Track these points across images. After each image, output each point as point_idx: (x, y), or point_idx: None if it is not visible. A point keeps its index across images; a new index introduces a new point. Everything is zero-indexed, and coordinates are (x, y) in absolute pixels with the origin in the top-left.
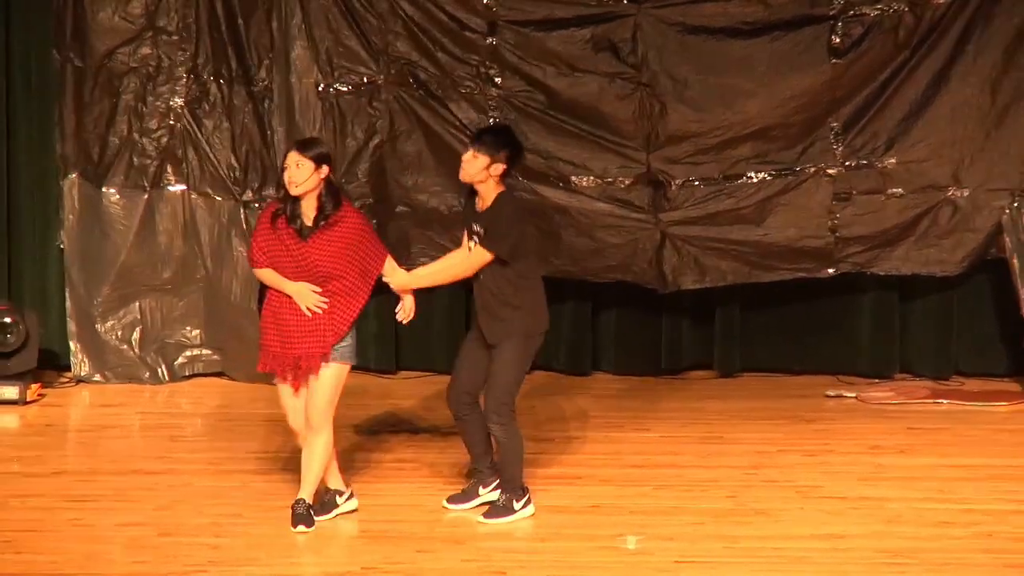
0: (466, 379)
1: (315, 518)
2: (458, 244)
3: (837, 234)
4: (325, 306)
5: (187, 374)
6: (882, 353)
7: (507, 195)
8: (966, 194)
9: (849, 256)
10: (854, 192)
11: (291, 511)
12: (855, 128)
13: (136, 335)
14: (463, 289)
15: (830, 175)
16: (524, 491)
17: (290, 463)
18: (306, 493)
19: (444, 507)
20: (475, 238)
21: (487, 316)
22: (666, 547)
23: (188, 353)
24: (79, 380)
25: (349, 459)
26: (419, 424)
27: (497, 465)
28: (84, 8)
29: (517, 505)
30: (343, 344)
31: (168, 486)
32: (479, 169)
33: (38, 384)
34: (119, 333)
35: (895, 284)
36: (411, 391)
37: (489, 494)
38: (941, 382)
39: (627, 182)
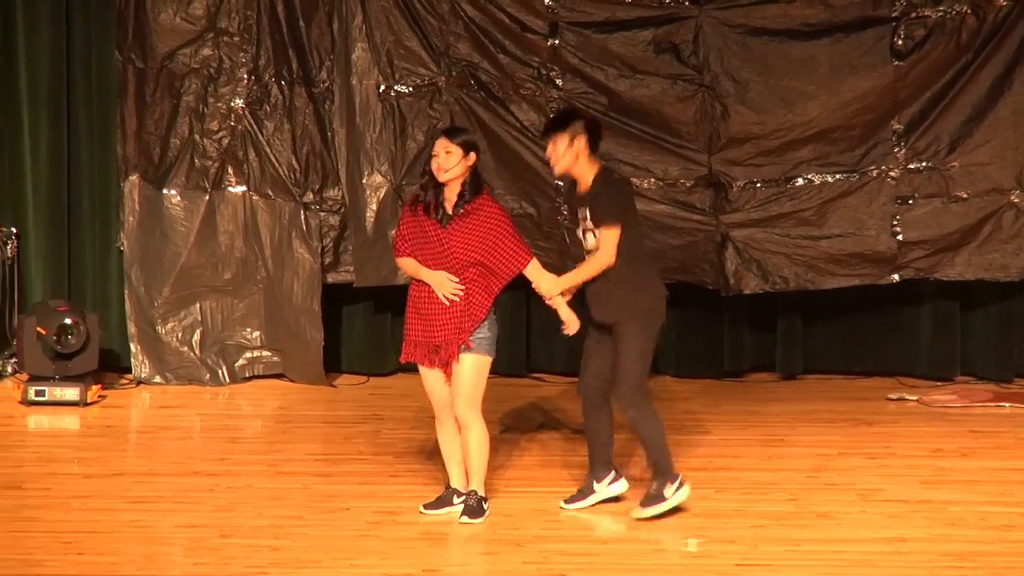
0: (595, 371)
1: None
2: None
3: (899, 238)
4: (461, 294)
5: (247, 376)
6: (943, 355)
7: (605, 170)
8: None
9: (912, 261)
10: (916, 195)
11: (463, 503)
12: (917, 131)
13: (196, 337)
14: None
15: (892, 178)
16: (675, 476)
17: (350, 465)
18: (476, 484)
19: (561, 507)
20: (583, 223)
21: (600, 297)
22: (727, 550)
23: (248, 355)
24: (139, 382)
25: (407, 460)
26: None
27: (612, 461)
28: (146, 9)
29: (668, 491)
30: (480, 335)
31: (228, 488)
32: (563, 151)
33: (99, 385)
34: (179, 335)
35: (956, 286)
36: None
37: (605, 488)
38: (1003, 385)
39: (689, 184)
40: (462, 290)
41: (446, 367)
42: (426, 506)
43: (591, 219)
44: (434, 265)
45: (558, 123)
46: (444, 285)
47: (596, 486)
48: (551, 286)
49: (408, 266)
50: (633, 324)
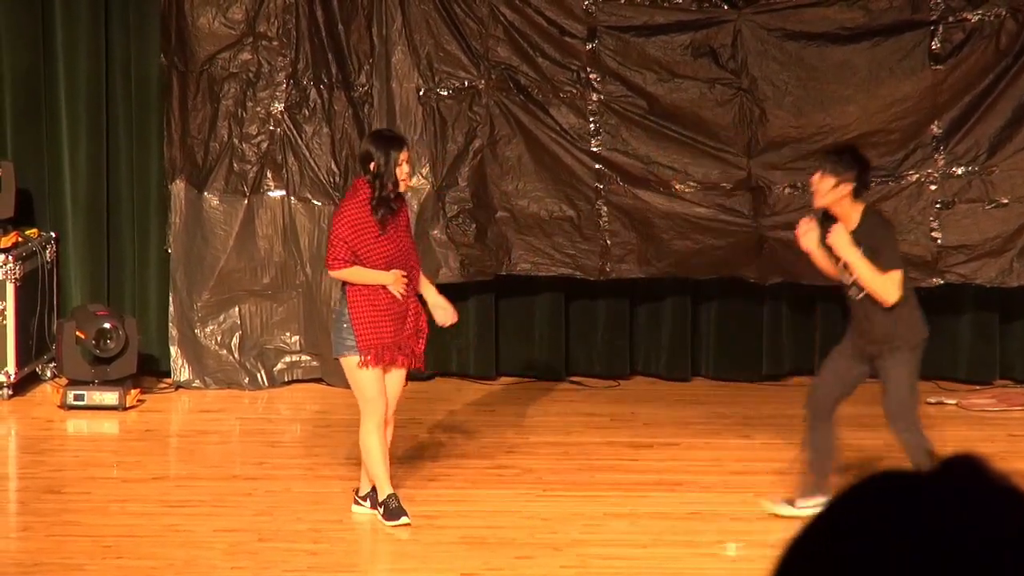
0: (831, 388)
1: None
2: (558, 250)
3: (939, 242)
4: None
5: (286, 380)
6: (982, 359)
7: (871, 212)
8: None
9: (953, 266)
10: (956, 200)
11: (384, 507)
12: (957, 135)
13: (235, 340)
14: (561, 294)
15: (932, 182)
16: None
17: (388, 469)
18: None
19: (793, 509)
20: (841, 259)
21: (885, 329)
22: (767, 554)
23: (287, 359)
24: (178, 386)
25: (445, 465)
26: (518, 430)
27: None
28: (185, 14)
29: None
30: None
31: (267, 492)
32: (826, 190)
33: (138, 390)
34: (218, 338)
35: (996, 290)
36: (510, 396)
37: (807, 509)
38: None
39: (728, 187)
40: (407, 282)
41: (411, 364)
42: (385, 518)
43: (876, 259)
44: (387, 266)
45: (831, 162)
46: (399, 282)
47: (800, 501)
48: (847, 243)
49: (357, 275)
50: (909, 355)
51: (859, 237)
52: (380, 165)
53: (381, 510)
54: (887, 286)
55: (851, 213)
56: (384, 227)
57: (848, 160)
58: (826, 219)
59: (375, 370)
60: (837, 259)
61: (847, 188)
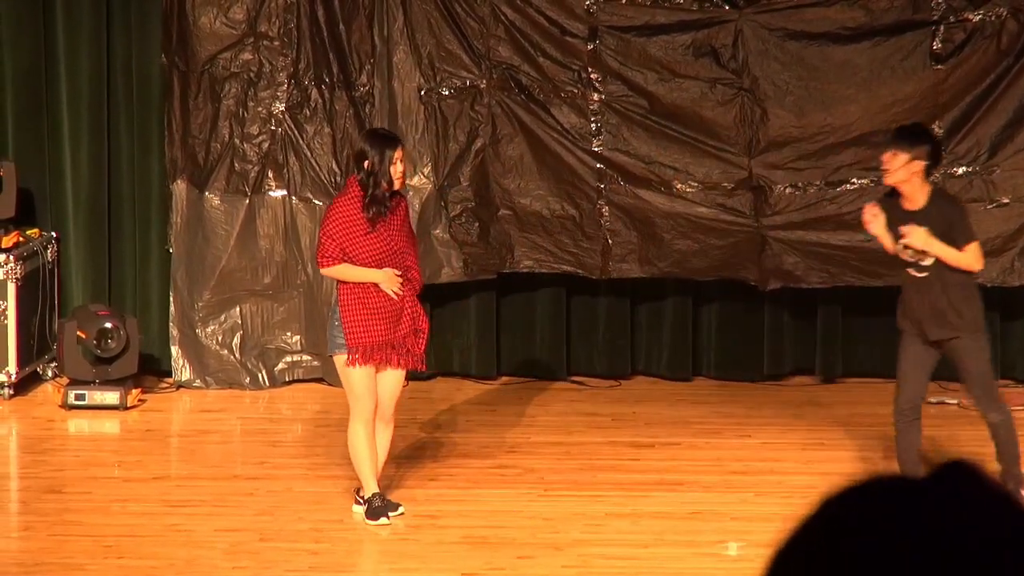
0: (918, 387)
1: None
2: (561, 248)
3: None
4: (403, 288)
5: (287, 380)
6: None
7: (939, 190)
8: None
9: None
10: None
11: (368, 505)
12: (958, 135)
13: (236, 340)
14: (564, 292)
15: (933, 182)
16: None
17: (389, 468)
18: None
19: None
20: (903, 239)
21: (952, 312)
22: (768, 554)
23: (288, 359)
24: (179, 385)
25: (447, 464)
26: (519, 430)
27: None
28: (186, 14)
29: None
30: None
31: (268, 492)
32: (899, 166)
33: (139, 389)
34: (219, 338)
35: (996, 289)
36: (511, 396)
37: None
38: None
39: (730, 187)
40: (402, 282)
41: (409, 364)
42: (368, 516)
43: (958, 234)
44: (378, 264)
45: (905, 139)
46: (392, 280)
47: None
48: (926, 238)
49: (347, 272)
50: (979, 337)
51: (930, 218)
52: (374, 164)
53: (364, 508)
54: (971, 259)
55: (919, 192)
56: (374, 225)
57: (921, 136)
58: (892, 200)
59: (364, 369)
60: (897, 237)
61: (920, 165)
